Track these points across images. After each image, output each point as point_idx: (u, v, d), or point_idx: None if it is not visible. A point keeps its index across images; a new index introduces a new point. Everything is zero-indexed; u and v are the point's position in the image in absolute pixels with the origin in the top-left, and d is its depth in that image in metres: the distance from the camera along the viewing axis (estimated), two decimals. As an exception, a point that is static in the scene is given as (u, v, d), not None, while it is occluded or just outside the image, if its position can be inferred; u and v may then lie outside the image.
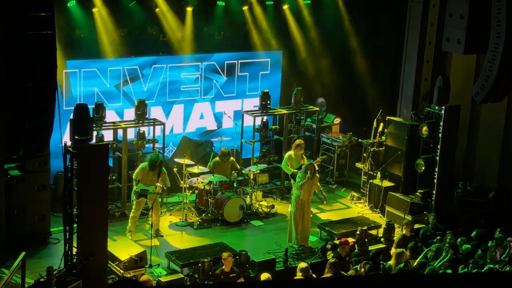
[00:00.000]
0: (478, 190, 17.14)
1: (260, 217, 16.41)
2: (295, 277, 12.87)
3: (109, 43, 16.75)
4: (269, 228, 16.03)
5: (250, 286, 7.69)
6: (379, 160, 17.54)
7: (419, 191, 16.59)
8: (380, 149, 17.66)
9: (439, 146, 16.18)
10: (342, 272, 13.19)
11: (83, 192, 12.69)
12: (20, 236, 14.08)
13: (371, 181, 17.19)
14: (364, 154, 17.73)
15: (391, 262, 13.49)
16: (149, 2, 17.21)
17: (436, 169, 16.22)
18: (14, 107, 11.29)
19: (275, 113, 18.08)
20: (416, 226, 15.44)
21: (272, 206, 16.70)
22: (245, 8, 18.39)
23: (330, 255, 14.03)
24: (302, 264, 12.98)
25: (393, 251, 13.90)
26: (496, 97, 14.03)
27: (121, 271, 13.13)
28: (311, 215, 15.44)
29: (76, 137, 12.50)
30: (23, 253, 12.00)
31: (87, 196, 12.67)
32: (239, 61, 18.64)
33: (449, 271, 13.35)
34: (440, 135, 16.15)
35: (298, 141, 16.64)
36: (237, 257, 13.55)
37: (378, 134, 17.69)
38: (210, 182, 15.97)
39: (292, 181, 15.94)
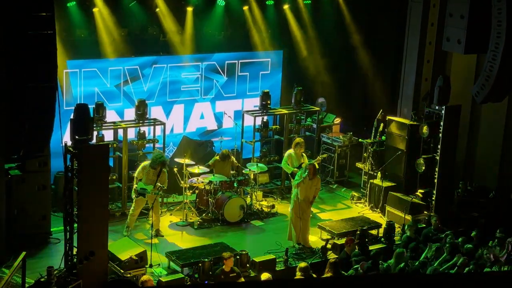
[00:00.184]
0: (478, 190, 17.13)
1: (260, 217, 16.41)
2: (295, 277, 12.87)
3: (110, 43, 16.76)
4: (270, 228, 16.02)
5: (250, 286, 7.69)
6: (380, 160, 17.54)
7: (419, 191, 16.59)
8: (380, 149, 17.67)
9: (439, 146, 16.17)
10: (343, 272, 13.19)
11: (83, 192, 12.69)
12: (20, 236, 14.07)
13: (372, 181, 17.18)
14: (365, 154, 17.73)
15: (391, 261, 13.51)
16: (149, 2, 17.21)
17: (437, 169, 16.22)
18: (14, 107, 11.30)
19: (276, 113, 18.08)
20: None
21: (273, 206, 16.70)
22: (246, 8, 18.39)
23: (330, 255, 14.04)
24: (302, 264, 12.98)
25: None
26: (497, 97, 14.03)
27: (122, 271, 13.13)
28: (311, 215, 15.44)
29: (77, 137, 12.50)
30: (23, 253, 11.99)
31: (87, 196, 12.67)
32: (240, 61, 18.64)
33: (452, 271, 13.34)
34: (440, 135, 16.15)
35: (297, 140, 16.69)
36: (238, 257, 13.54)
37: (378, 134, 17.69)
38: (210, 182, 15.97)
39: (292, 180, 15.96)
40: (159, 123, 16.52)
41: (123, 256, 13.27)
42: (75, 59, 16.49)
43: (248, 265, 13.59)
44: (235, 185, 16.30)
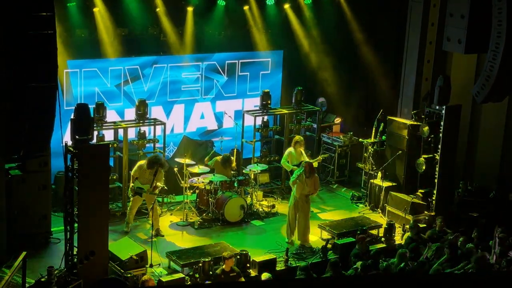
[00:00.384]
0: (478, 190, 17.13)
1: (260, 217, 16.41)
2: (295, 277, 12.88)
3: (110, 43, 16.75)
4: (270, 228, 16.03)
5: (250, 286, 7.69)
6: (380, 160, 17.54)
7: (419, 191, 16.59)
8: (381, 149, 17.67)
9: (439, 146, 16.17)
10: (343, 272, 13.20)
11: (83, 192, 12.70)
12: (21, 236, 14.07)
13: (372, 180, 17.18)
14: (365, 154, 17.74)
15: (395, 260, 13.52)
16: (150, 2, 17.20)
17: (437, 169, 16.22)
18: (14, 107, 11.31)
19: (276, 113, 18.08)
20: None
21: (273, 206, 16.71)
22: (246, 7, 18.38)
23: (330, 255, 14.05)
24: (302, 264, 13.00)
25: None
26: (497, 97, 14.03)
27: (122, 271, 13.14)
28: (310, 214, 15.44)
29: (77, 137, 12.51)
30: (24, 253, 12.00)
31: (87, 196, 12.68)
32: (240, 60, 18.63)
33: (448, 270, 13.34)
34: (440, 135, 16.15)
35: (297, 138, 16.78)
36: (238, 256, 13.55)
37: (378, 134, 17.69)
38: (210, 182, 15.98)
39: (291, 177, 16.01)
40: (159, 123, 16.53)
41: (124, 256, 13.27)
42: (75, 59, 16.48)
43: (248, 265, 13.59)
44: (236, 185, 16.31)
